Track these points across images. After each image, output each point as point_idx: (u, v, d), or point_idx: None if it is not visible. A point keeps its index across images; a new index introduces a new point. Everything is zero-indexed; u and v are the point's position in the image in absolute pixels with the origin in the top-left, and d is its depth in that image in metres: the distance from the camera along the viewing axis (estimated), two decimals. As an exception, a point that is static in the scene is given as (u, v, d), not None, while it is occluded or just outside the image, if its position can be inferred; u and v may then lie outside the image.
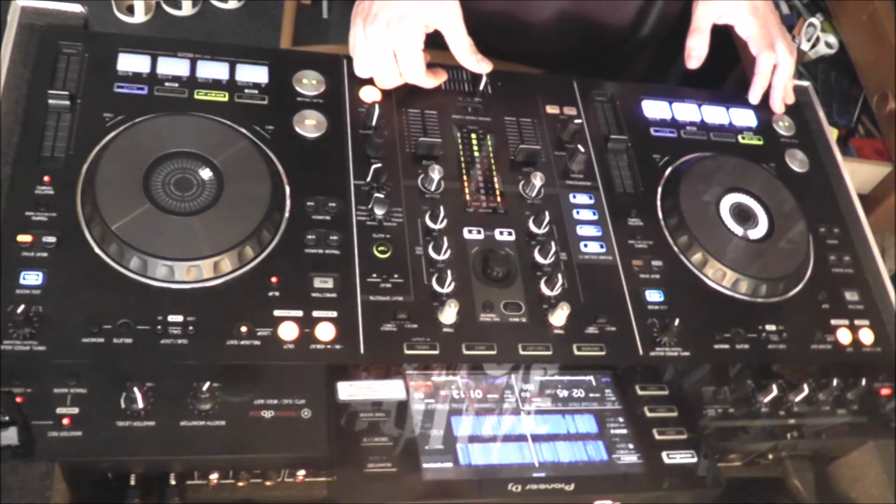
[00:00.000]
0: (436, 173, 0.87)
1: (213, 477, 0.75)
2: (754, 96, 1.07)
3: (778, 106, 1.08)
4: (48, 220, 0.75)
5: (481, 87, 0.98)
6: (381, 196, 0.85)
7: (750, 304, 0.91)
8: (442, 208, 0.85)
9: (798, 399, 0.85)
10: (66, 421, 0.67)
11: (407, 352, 0.78)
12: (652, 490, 0.76)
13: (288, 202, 0.83)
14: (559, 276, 0.84)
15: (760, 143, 1.05)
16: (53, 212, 0.76)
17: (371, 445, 0.71)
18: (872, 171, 1.58)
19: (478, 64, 0.94)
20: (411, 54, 0.90)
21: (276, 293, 0.78)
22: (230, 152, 0.83)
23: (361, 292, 0.80)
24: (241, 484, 0.76)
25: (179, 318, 0.74)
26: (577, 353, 0.82)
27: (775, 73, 1.06)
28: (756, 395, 0.85)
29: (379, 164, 0.87)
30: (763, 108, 1.08)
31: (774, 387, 0.84)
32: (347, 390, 0.74)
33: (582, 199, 0.93)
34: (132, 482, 0.71)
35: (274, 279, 0.78)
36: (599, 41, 1.21)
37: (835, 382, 0.86)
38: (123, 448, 0.67)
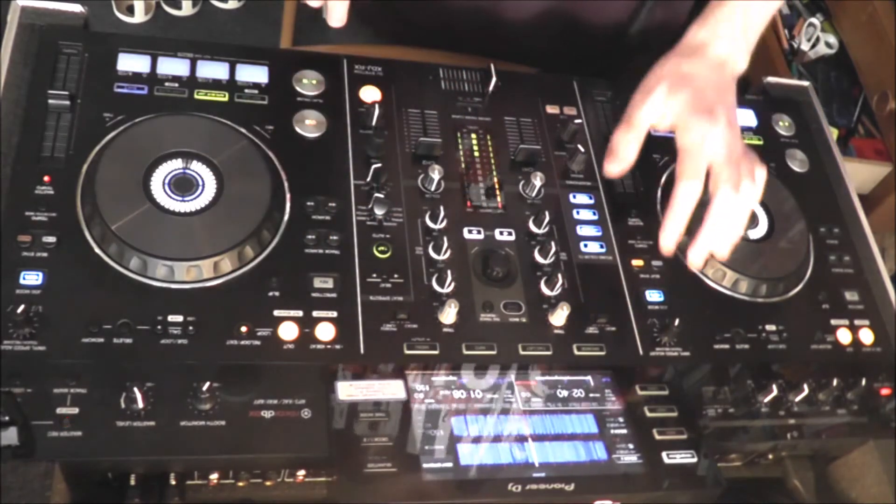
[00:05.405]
0: (436, 173, 0.87)
1: (213, 477, 0.75)
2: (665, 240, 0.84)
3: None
4: (48, 220, 0.75)
5: (490, 88, 0.97)
6: (381, 196, 0.85)
7: (750, 304, 0.91)
8: (442, 208, 0.85)
9: (798, 399, 0.85)
10: (66, 421, 0.67)
11: (407, 352, 0.78)
12: (652, 490, 0.75)
13: (288, 202, 0.83)
14: (559, 276, 0.84)
15: (760, 142, 1.05)
16: (53, 212, 0.76)
17: (371, 445, 0.71)
18: (872, 171, 1.59)
19: None
20: None
21: (276, 293, 0.77)
22: (230, 152, 0.83)
23: (361, 292, 0.80)
24: (241, 484, 0.76)
25: (179, 318, 0.74)
26: (577, 353, 0.82)
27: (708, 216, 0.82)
28: (756, 395, 0.85)
29: (379, 164, 0.87)
30: (763, 108, 1.08)
31: (774, 387, 0.84)
32: (347, 390, 0.74)
33: (582, 199, 0.93)
34: (132, 482, 0.71)
35: (274, 279, 0.78)
36: (584, 40, 1.19)
37: (835, 382, 0.86)
38: (123, 448, 0.67)
